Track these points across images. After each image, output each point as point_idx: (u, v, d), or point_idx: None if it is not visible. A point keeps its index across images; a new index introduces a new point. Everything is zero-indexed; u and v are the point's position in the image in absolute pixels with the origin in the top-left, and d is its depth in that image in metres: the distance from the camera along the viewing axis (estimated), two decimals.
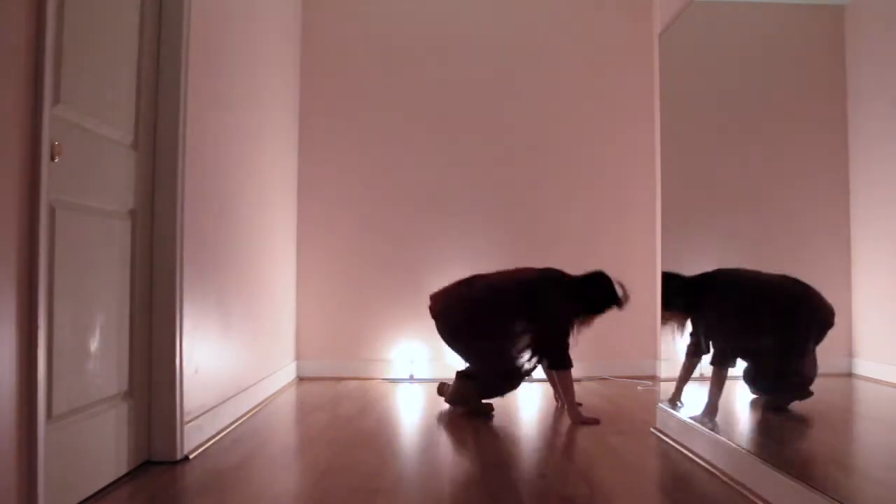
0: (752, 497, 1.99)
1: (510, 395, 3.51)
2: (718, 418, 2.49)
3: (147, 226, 2.33)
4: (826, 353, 2.07)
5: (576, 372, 4.21)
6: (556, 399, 3.50)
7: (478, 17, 4.56)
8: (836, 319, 2.04)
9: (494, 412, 3.28)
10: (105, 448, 2.07)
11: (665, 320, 3.15)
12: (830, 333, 2.08)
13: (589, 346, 4.45)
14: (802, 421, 2.28)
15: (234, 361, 3.09)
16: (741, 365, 2.59)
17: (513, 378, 3.27)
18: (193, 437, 2.49)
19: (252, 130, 3.39)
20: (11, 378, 1.55)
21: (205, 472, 2.27)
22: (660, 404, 2.89)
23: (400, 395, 3.85)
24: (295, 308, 4.39)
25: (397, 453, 2.56)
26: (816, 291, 2.18)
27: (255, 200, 3.44)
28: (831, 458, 2.02)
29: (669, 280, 3.06)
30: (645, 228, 4.44)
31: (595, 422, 3.05)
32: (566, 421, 3.14)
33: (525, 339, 3.24)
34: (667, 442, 2.69)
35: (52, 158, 1.71)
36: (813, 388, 2.14)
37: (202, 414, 2.61)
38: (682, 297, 2.96)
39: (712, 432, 2.39)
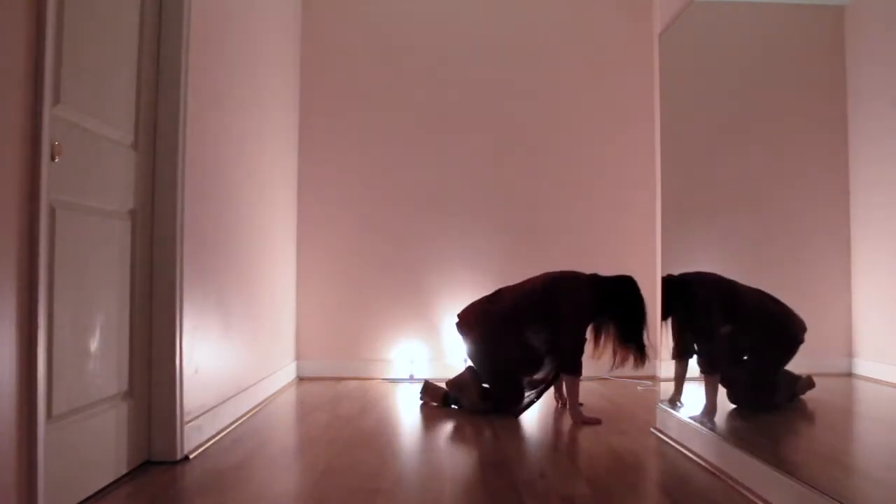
0: (751, 497, 1.99)
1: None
2: (718, 418, 2.49)
3: (147, 226, 2.33)
4: (826, 353, 2.07)
5: None
6: (557, 399, 3.50)
7: (478, 17, 4.56)
8: (836, 319, 2.04)
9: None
10: (105, 448, 2.07)
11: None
12: (829, 335, 2.08)
13: (589, 345, 4.45)
14: (802, 421, 2.28)
15: (234, 361, 3.09)
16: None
17: (520, 399, 3.25)
18: (193, 437, 2.49)
19: (252, 130, 3.39)
20: (11, 378, 1.55)
21: (205, 472, 2.27)
22: (660, 404, 2.90)
23: (400, 395, 3.85)
24: (295, 308, 4.39)
25: (397, 453, 2.56)
26: (788, 308, 2.20)
27: (255, 200, 3.44)
28: (831, 458, 2.02)
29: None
30: (645, 228, 4.44)
31: (597, 422, 3.06)
32: (566, 421, 3.14)
33: (543, 350, 3.24)
34: (667, 442, 2.69)
35: (52, 158, 1.71)
36: (815, 387, 2.14)
37: (202, 414, 2.61)
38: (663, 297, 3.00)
39: (712, 432, 2.39)
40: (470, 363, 3.45)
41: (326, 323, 4.42)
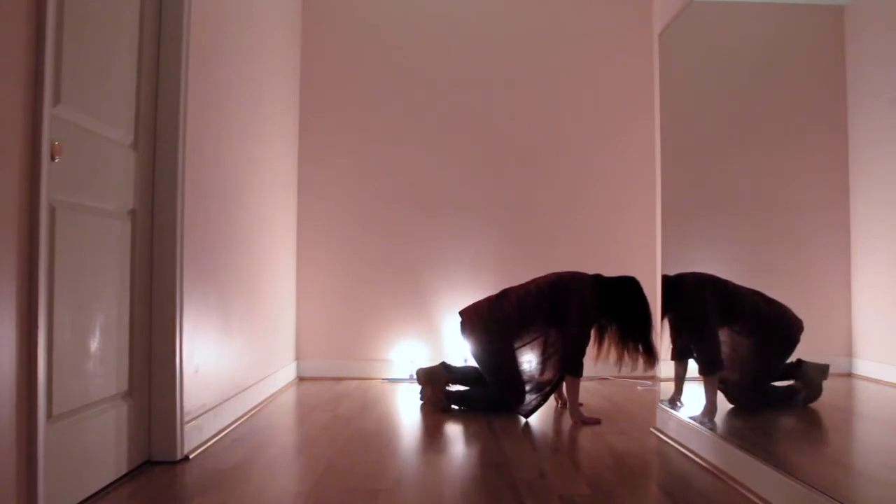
0: (751, 497, 1.99)
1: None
2: (718, 418, 2.49)
3: (147, 226, 2.33)
4: (826, 353, 2.07)
5: None
6: (557, 399, 3.50)
7: (478, 17, 4.55)
8: (836, 319, 2.04)
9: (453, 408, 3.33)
10: (105, 448, 2.07)
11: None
12: (829, 335, 2.08)
13: (593, 348, 4.46)
14: (802, 420, 2.28)
15: (234, 361, 3.09)
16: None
17: (522, 399, 3.25)
18: (193, 437, 2.49)
19: (252, 130, 3.39)
20: (11, 378, 1.55)
21: (205, 472, 2.27)
22: (660, 404, 2.89)
23: (400, 395, 3.85)
24: (295, 308, 4.39)
25: (397, 453, 2.56)
26: (784, 308, 2.19)
27: (255, 200, 3.44)
28: (831, 458, 2.02)
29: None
30: (645, 229, 4.44)
31: (596, 422, 3.06)
32: (566, 421, 3.14)
33: (550, 352, 3.24)
34: (667, 442, 2.69)
35: (52, 158, 1.71)
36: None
37: (202, 414, 2.61)
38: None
39: (712, 432, 2.39)
40: (472, 362, 3.46)
41: (326, 323, 4.42)
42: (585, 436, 2.84)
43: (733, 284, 2.50)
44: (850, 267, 1.99)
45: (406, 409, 3.45)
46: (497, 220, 4.48)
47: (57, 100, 1.75)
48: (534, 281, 3.36)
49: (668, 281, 2.90)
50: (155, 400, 2.34)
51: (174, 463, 2.34)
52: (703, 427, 2.45)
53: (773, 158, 2.35)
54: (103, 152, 2.06)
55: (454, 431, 2.97)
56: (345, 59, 4.50)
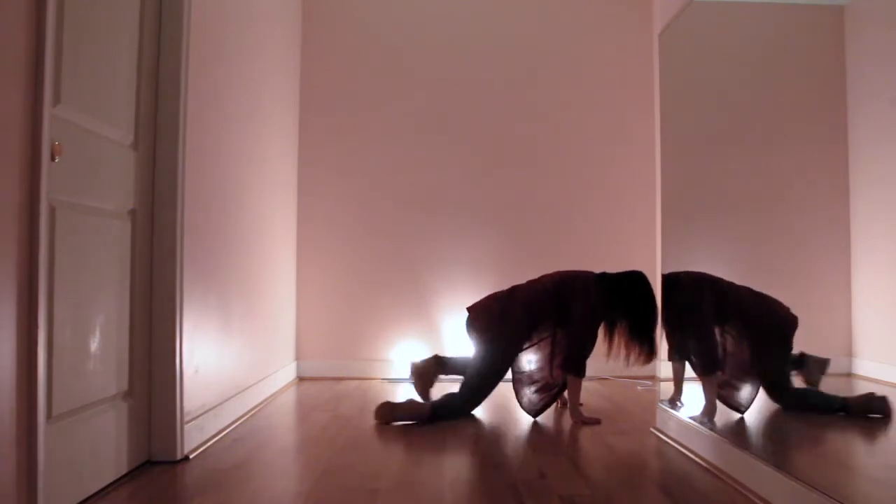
0: (752, 497, 1.99)
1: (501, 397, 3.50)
2: (718, 418, 2.49)
3: (147, 226, 2.33)
4: (826, 353, 2.07)
5: None
6: (558, 400, 3.49)
7: (478, 17, 4.55)
8: (836, 319, 2.04)
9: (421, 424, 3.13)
10: (105, 448, 2.07)
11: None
12: (829, 335, 2.08)
13: (604, 346, 4.46)
14: (802, 420, 2.28)
15: (234, 361, 3.09)
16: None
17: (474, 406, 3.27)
18: (194, 437, 2.49)
19: (252, 130, 3.39)
20: (11, 378, 1.56)
21: (205, 472, 2.27)
22: (660, 404, 2.89)
23: (400, 395, 3.84)
24: (295, 308, 4.39)
25: (397, 453, 2.56)
26: (778, 306, 2.19)
27: (255, 200, 3.44)
28: (831, 458, 2.02)
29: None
30: (645, 229, 4.44)
31: (596, 422, 3.06)
32: (566, 421, 3.14)
33: (556, 351, 3.25)
34: (667, 442, 2.69)
35: (52, 158, 1.71)
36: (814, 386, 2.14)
37: (202, 414, 2.61)
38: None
39: (712, 432, 2.38)
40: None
41: (326, 323, 4.42)
42: (585, 436, 2.84)
43: (725, 282, 2.49)
44: (850, 267, 1.99)
45: None
46: (497, 221, 4.48)
47: (57, 100, 1.76)
48: (539, 280, 3.34)
49: (663, 280, 2.90)
50: (155, 400, 2.34)
51: (174, 463, 2.34)
52: (703, 427, 2.45)
53: (773, 158, 2.35)
54: (103, 152, 2.06)
55: (455, 432, 2.97)
56: (345, 59, 4.50)
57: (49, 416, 1.73)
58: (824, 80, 2.11)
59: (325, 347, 4.42)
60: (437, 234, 4.45)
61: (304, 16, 4.50)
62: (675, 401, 2.82)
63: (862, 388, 1.98)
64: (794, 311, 2.18)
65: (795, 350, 2.18)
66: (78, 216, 1.91)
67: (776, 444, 2.25)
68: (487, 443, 2.74)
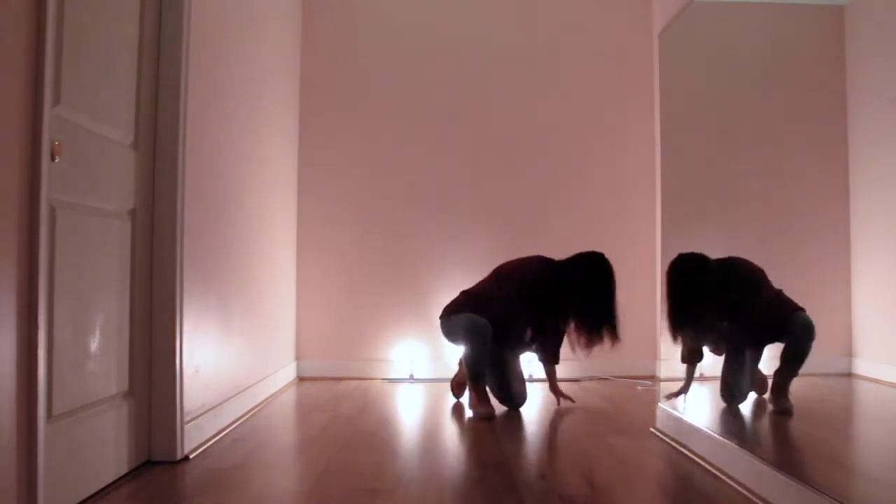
0: (752, 497, 1.99)
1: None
2: (717, 417, 2.49)
3: (147, 226, 2.33)
4: (826, 353, 2.07)
5: (575, 372, 4.24)
6: (556, 397, 3.49)
7: (478, 16, 4.55)
8: (836, 319, 2.04)
9: (494, 416, 3.23)
10: (105, 448, 2.07)
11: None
12: (829, 335, 2.08)
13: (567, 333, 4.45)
14: (803, 420, 2.28)
15: (234, 361, 3.09)
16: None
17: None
18: (194, 437, 2.49)
19: (252, 130, 3.39)
20: (11, 378, 1.56)
21: (205, 472, 2.27)
22: (660, 404, 2.89)
23: (400, 395, 3.85)
24: (295, 308, 4.39)
25: (397, 453, 2.56)
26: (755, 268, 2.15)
27: (255, 200, 3.44)
28: (831, 458, 2.02)
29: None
30: (645, 228, 4.44)
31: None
32: (567, 421, 3.14)
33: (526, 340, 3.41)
34: (667, 442, 2.69)
35: (53, 158, 1.71)
36: (813, 387, 2.14)
37: (202, 414, 2.61)
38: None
39: (712, 432, 2.38)
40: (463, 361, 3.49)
41: (327, 323, 4.42)
42: (585, 436, 2.84)
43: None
44: (850, 267, 1.99)
45: (406, 410, 3.45)
46: (498, 220, 4.48)
47: (57, 100, 1.75)
48: (489, 285, 3.44)
49: (690, 264, 2.67)
50: (155, 400, 2.34)
51: (174, 463, 2.34)
52: (703, 427, 2.45)
53: (772, 158, 2.35)
54: (103, 152, 2.06)
55: (455, 431, 2.97)
56: (345, 58, 4.49)
57: (49, 415, 1.73)
58: (824, 79, 2.11)
59: (326, 347, 4.41)
60: (438, 234, 4.45)
61: (304, 15, 4.50)
62: (678, 395, 2.78)
63: (862, 389, 1.98)
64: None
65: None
66: (78, 216, 1.91)
67: (777, 444, 2.25)
68: (487, 443, 2.74)
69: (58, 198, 1.78)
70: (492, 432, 2.91)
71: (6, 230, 1.54)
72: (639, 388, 4.01)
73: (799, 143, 2.25)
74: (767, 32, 2.44)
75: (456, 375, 3.63)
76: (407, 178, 4.47)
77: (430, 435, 2.90)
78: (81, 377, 1.93)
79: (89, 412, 1.97)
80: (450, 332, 3.39)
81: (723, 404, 2.57)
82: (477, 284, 3.51)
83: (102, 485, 2.04)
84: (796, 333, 2.19)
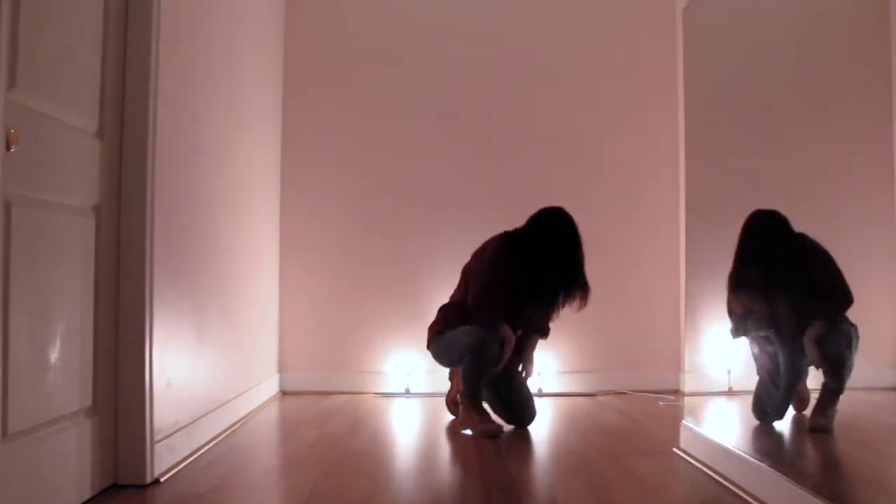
0: None
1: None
2: (749, 436, 2.47)
3: (113, 223, 2.32)
4: (870, 364, 2.06)
5: (590, 385, 4.25)
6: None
7: None
8: (882, 325, 2.03)
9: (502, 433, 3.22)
10: (66, 470, 2.06)
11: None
12: (873, 343, 2.07)
13: (605, 356, 4.42)
14: (844, 440, 2.27)
15: (210, 374, 3.09)
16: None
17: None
18: (165, 458, 2.49)
19: (231, 118, 3.39)
20: None
21: (177, 497, 2.26)
22: (684, 421, 2.89)
23: (395, 411, 3.84)
24: (278, 315, 4.38)
25: (391, 476, 2.56)
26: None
27: (233, 195, 3.44)
28: (876, 482, 2.01)
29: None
30: (667, 228, 4.42)
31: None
32: (579, 439, 3.14)
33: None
34: (692, 464, 2.68)
35: (8, 148, 1.71)
36: (858, 403, 2.12)
37: (175, 432, 2.61)
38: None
39: (743, 452, 2.37)
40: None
41: (313, 331, 4.42)
42: (601, 457, 2.83)
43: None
44: None
45: (402, 427, 3.44)
46: (499, 218, 4.44)
47: (12, 83, 1.75)
48: (461, 287, 3.53)
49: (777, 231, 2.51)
50: (122, 416, 2.33)
51: (143, 487, 2.33)
52: (732, 447, 2.44)
53: (810, 146, 2.33)
54: (65, 141, 2.05)
55: (456, 451, 2.96)
56: (332, 44, 4.49)
57: (3, 434, 1.72)
58: (869, 57, 2.10)
59: (311, 358, 4.41)
60: (436, 233, 4.43)
61: None
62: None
63: None
64: None
65: None
66: (36, 212, 1.90)
67: (815, 466, 2.24)
68: (492, 465, 2.73)
69: (13, 192, 1.77)
70: (497, 452, 2.90)
71: None
72: (661, 403, 4.01)
73: (840, 130, 2.23)
74: (805, 7, 2.42)
75: (450, 391, 3.63)
76: (402, 170, 4.46)
77: (428, 455, 2.89)
78: (40, 392, 1.92)
79: (48, 430, 1.97)
80: (446, 353, 3.39)
81: (755, 421, 2.56)
82: (451, 295, 3.57)
83: None
84: (836, 340, 2.17)
